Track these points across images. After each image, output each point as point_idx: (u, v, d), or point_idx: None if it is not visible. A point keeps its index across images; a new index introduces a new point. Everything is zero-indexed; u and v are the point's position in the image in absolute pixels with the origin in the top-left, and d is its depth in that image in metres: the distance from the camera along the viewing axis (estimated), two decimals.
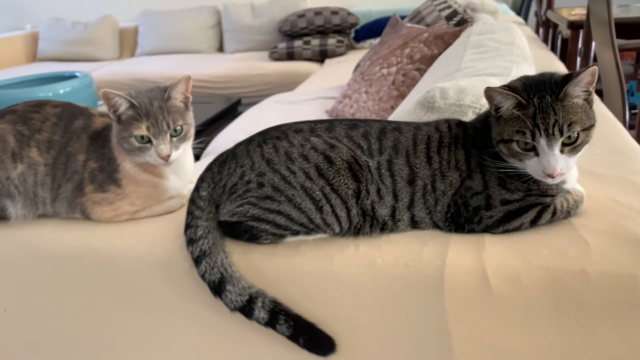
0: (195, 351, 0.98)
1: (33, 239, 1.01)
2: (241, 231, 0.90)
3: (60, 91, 2.42)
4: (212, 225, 0.90)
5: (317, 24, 3.85)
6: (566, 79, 0.82)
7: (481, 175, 0.87)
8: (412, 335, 0.86)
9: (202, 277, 0.88)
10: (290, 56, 3.79)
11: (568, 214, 0.87)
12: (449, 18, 2.32)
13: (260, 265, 0.90)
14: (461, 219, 0.87)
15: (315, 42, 3.79)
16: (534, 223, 0.86)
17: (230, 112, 3.12)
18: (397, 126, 0.92)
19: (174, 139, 0.98)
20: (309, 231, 0.89)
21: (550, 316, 0.80)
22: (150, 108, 0.96)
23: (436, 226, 0.89)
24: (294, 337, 0.87)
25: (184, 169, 1.04)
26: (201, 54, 4.33)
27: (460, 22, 2.28)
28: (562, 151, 0.81)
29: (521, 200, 0.85)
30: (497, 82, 1.10)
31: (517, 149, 0.81)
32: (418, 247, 0.86)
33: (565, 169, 0.81)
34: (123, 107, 0.96)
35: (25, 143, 0.99)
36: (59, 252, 0.99)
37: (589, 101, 0.84)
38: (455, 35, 2.01)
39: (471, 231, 0.87)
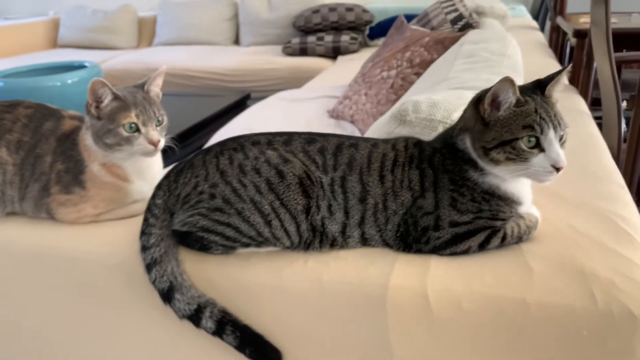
0: (151, 353, 1.00)
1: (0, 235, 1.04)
2: (192, 241, 0.91)
3: (68, 81, 2.46)
4: (166, 234, 0.92)
5: (332, 20, 3.83)
6: (543, 81, 0.86)
7: (434, 195, 0.86)
8: (356, 351, 0.87)
9: (153, 283, 0.89)
10: (303, 52, 3.79)
11: (519, 239, 0.87)
12: (454, 22, 2.30)
13: (211, 275, 0.91)
14: (410, 239, 0.87)
15: (328, 38, 3.78)
16: (482, 247, 0.85)
17: (239, 106, 3.13)
18: (355, 142, 0.92)
19: (158, 128, 1.02)
20: (259, 244, 0.90)
21: (488, 343, 0.80)
22: (135, 99, 0.99)
23: (386, 244, 0.89)
24: (240, 348, 0.88)
25: (151, 172, 1.06)
26: (217, 45, 4.36)
27: (465, 26, 2.26)
28: None
29: (470, 223, 0.85)
30: (471, 96, 1.09)
31: (524, 147, 0.80)
32: (365, 265, 0.86)
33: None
34: (108, 98, 0.98)
35: None
36: (23, 250, 1.02)
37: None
38: (456, 41, 1.99)
39: (419, 251, 0.87)
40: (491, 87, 0.83)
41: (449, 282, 0.81)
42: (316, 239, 0.88)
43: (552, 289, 0.78)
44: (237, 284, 0.90)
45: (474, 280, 0.81)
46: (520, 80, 1.45)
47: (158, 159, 1.09)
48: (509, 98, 0.82)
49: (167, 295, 0.89)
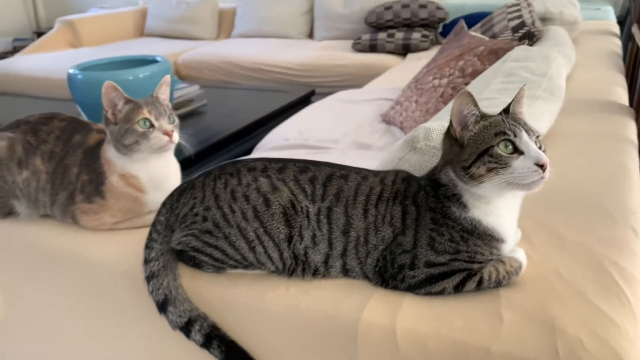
0: (153, 356, 1.08)
1: (31, 235, 1.16)
2: (186, 258, 0.98)
3: (139, 75, 2.60)
4: (166, 249, 0.98)
5: (403, 17, 3.79)
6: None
7: (414, 233, 0.87)
8: None
9: (151, 294, 0.97)
10: (373, 48, 3.78)
11: (498, 284, 0.86)
12: (515, 30, 2.22)
13: (203, 291, 0.97)
14: (387, 275, 0.88)
15: (399, 35, 3.74)
16: (457, 289, 0.85)
17: (303, 102, 3.18)
18: (346, 174, 0.94)
19: (171, 125, 1.10)
20: (245, 267, 0.94)
21: None
22: (145, 100, 1.09)
23: (366, 277, 0.91)
24: None
25: (167, 182, 1.13)
26: (291, 39, 4.43)
27: (526, 35, 2.17)
28: None
29: (446, 265, 0.85)
30: None
31: (502, 152, 0.81)
32: (341, 297, 0.89)
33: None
34: (121, 102, 1.08)
35: (32, 152, 1.13)
36: (50, 251, 1.13)
37: None
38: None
39: (395, 288, 0.88)
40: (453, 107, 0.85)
41: (419, 322, 0.82)
42: (299, 267, 0.92)
43: (518, 340, 0.77)
44: (225, 302, 0.96)
45: (442, 323, 0.81)
46: (552, 108, 1.40)
47: (174, 170, 1.17)
48: (473, 111, 0.84)
49: (162, 307, 0.96)
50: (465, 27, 2.38)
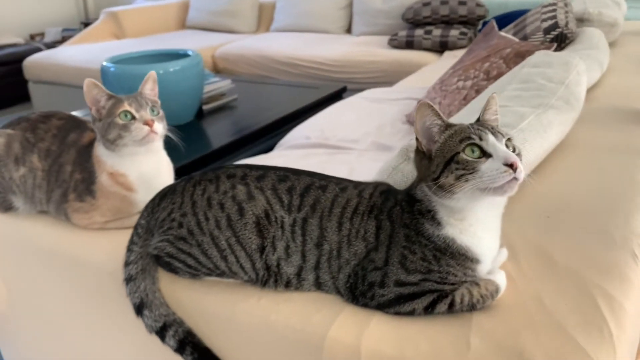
0: (142, 355, 1.09)
1: (27, 230, 1.19)
2: (163, 263, 0.98)
3: (170, 69, 2.64)
4: (145, 252, 0.99)
5: (442, 13, 3.70)
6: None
7: (386, 249, 0.84)
8: None
9: (128, 297, 0.97)
10: (409, 45, 3.71)
11: (472, 308, 0.82)
12: (547, 31, 2.12)
13: (180, 297, 0.97)
14: (357, 291, 0.85)
15: (437, 32, 3.66)
16: (428, 311, 0.82)
17: (333, 99, 3.15)
18: (325, 184, 0.92)
19: (154, 117, 1.10)
20: (218, 275, 0.94)
21: None
22: (127, 95, 1.10)
23: (338, 292, 0.88)
24: None
25: (158, 181, 1.12)
26: (328, 34, 4.40)
27: (558, 37, 2.08)
28: None
29: (416, 285, 0.82)
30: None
31: (468, 157, 0.78)
32: (311, 311, 0.87)
33: (522, 167, 0.76)
34: (103, 99, 1.08)
35: (29, 149, 1.15)
36: (44, 245, 1.16)
37: None
38: None
39: (365, 305, 0.85)
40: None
41: (384, 343, 0.80)
42: (271, 278, 0.90)
43: None
44: (199, 309, 0.95)
45: (408, 346, 0.78)
46: (574, 115, 1.33)
47: (165, 168, 1.17)
48: (435, 120, 0.82)
49: (138, 310, 0.96)
50: (496, 27, 2.30)
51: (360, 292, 0.85)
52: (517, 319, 0.80)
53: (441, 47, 3.65)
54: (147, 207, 1.01)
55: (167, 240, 0.94)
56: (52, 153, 1.15)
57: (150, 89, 1.14)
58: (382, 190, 0.90)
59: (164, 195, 0.99)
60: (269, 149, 2.42)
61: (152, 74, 1.14)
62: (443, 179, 0.79)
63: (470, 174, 0.77)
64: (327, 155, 2.04)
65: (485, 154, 0.78)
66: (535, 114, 1.23)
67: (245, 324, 0.90)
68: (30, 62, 4.29)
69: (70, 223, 1.15)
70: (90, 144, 1.14)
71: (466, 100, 1.99)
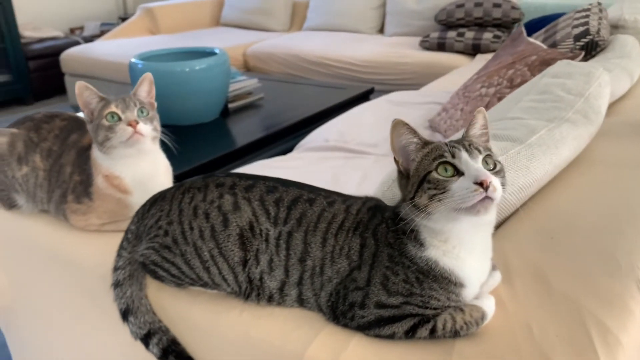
0: (130, 355, 1.09)
1: (30, 228, 1.21)
2: (149, 271, 0.97)
3: (196, 67, 2.65)
4: (134, 258, 0.98)
5: (475, 15, 3.62)
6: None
7: (369, 269, 0.81)
8: None
9: (114, 302, 0.97)
10: (441, 47, 3.64)
11: (455, 334, 0.78)
12: (577, 38, 2.04)
13: (165, 305, 0.96)
14: (338, 311, 0.83)
15: (469, 34, 3.58)
16: (408, 335, 0.79)
17: (360, 100, 3.12)
18: (313, 197, 0.89)
19: (141, 117, 1.09)
20: (202, 285, 0.92)
21: None
22: (117, 97, 1.09)
23: (321, 310, 0.86)
24: None
25: (154, 183, 1.11)
26: (361, 34, 4.36)
27: (588, 45, 2.00)
28: None
29: (397, 308, 0.78)
30: (494, 149, 1.00)
31: (439, 176, 0.74)
32: (291, 328, 0.84)
33: (497, 184, 0.72)
34: (94, 101, 1.08)
35: (32, 149, 1.16)
36: (41, 244, 1.17)
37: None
38: None
39: (346, 326, 0.82)
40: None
41: None
42: (254, 291, 0.88)
43: None
44: (184, 318, 0.94)
45: None
46: (591, 129, 1.27)
47: (163, 170, 1.16)
48: (411, 139, 0.79)
49: (124, 316, 0.96)
50: (524, 32, 2.23)
51: (341, 311, 0.82)
52: (501, 347, 0.76)
53: (473, 50, 3.57)
54: (137, 212, 1.00)
55: (153, 248, 0.93)
56: (53, 153, 1.16)
57: (145, 90, 1.13)
58: (370, 207, 0.87)
59: (154, 201, 0.98)
60: (292, 149, 2.41)
61: (148, 75, 1.13)
62: (417, 198, 0.76)
63: (441, 193, 0.74)
64: (343, 160, 2.02)
65: (458, 173, 0.75)
66: (548, 128, 1.18)
67: (227, 336, 0.89)
68: (67, 56, 4.39)
69: (68, 224, 1.16)
70: (90, 146, 1.14)
71: (488, 108, 1.93)
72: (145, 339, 0.94)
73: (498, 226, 1.07)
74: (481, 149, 0.78)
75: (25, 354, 1.45)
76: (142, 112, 1.09)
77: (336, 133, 2.28)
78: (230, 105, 2.92)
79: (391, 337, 0.79)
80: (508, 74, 1.95)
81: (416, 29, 4.08)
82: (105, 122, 1.05)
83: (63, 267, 1.15)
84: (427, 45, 3.69)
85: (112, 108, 1.06)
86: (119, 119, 1.06)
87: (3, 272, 1.30)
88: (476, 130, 0.83)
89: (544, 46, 2.08)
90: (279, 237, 0.87)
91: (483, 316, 0.79)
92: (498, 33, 3.55)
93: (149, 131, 1.09)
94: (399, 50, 3.75)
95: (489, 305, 0.81)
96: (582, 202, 1.11)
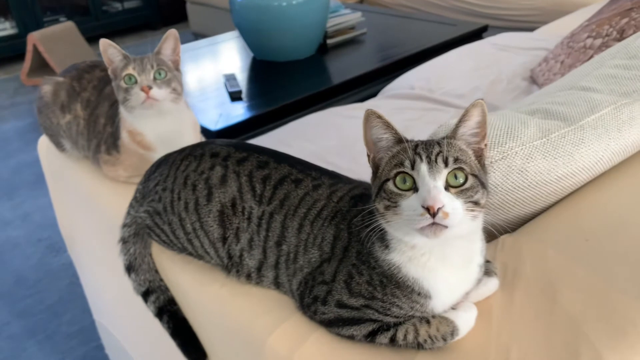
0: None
1: (75, 171, 1.30)
2: (147, 232, 0.98)
3: (293, 2, 2.60)
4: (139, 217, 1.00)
5: None
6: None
7: (337, 264, 0.75)
8: None
9: (119, 256, 1.01)
10: None
11: (418, 346, 0.71)
12: None
13: (164, 267, 0.98)
14: (304, 302, 0.79)
15: None
16: (368, 339, 0.73)
17: (471, 38, 2.88)
18: (301, 178, 0.83)
19: (157, 81, 1.08)
20: (189, 254, 0.92)
21: None
22: (137, 56, 1.09)
23: (293, 296, 0.82)
24: (172, 337, 0.96)
25: (179, 140, 1.10)
26: None
27: None
28: (446, 189, 0.64)
29: (357, 310, 0.72)
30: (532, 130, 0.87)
31: (394, 188, 0.65)
32: (260, 312, 0.82)
33: (451, 210, 0.62)
34: (117, 58, 1.09)
35: (74, 98, 1.21)
36: (81, 189, 1.25)
37: (480, 154, 0.70)
38: None
39: (311, 318, 0.78)
40: None
41: None
42: (234, 267, 0.87)
43: None
44: (177, 283, 0.96)
45: None
46: None
47: (188, 127, 1.15)
48: (383, 134, 0.69)
49: (127, 271, 1.00)
50: None
51: (306, 303, 0.78)
52: None
53: None
54: (146, 172, 1.02)
55: (148, 212, 0.95)
56: (91, 104, 1.20)
57: (170, 48, 1.11)
58: (354, 195, 0.80)
59: (160, 164, 0.98)
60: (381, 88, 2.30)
61: (173, 32, 1.09)
62: (377, 204, 0.68)
63: (394, 207, 0.65)
64: (421, 112, 1.89)
65: (415, 187, 0.65)
66: (615, 105, 0.99)
67: (207, 308, 0.89)
68: None
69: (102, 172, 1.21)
70: None
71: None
72: (144, 296, 0.98)
73: (526, 221, 0.94)
74: (451, 160, 0.65)
75: (89, 285, 1.59)
76: (159, 74, 1.07)
77: (423, 80, 2.14)
78: (329, 41, 2.84)
79: (351, 337, 0.74)
80: (621, 23, 1.67)
81: None
82: (123, 84, 1.06)
83: (96, 212, 1.21)
84: None
85: (130, 70, 1.06)
86: (135, 81, 1.06)
87: (57, 208, 1.41)
88: (467, 129, 0.69)
89: None
90: (261, 216, 0.84)
91: (453, 332, 0.71)
92: None
93: (166, 94, 1.07)
94: None
95: (465, 319, 0.72)
96: (635, 202, 0.94)
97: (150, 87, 1.05)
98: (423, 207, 0.61)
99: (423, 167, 0.64)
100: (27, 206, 2.76)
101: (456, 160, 0.65)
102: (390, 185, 0.65)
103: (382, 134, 0.69)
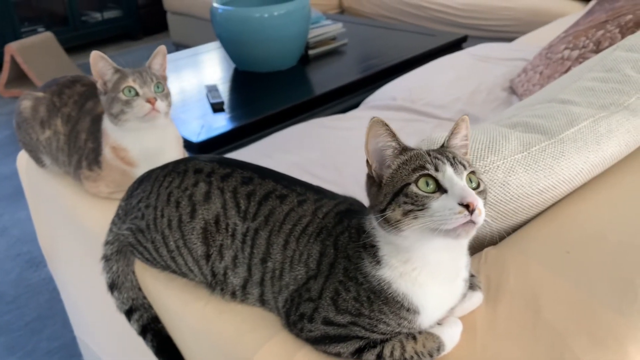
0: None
1: (55, 187, 1.28)
2: (129, 250, 0.97)
3: (274, 13, 2.61)
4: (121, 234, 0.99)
5: None
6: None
7: (324, 281, 0.75)
8: None
9: (102, 274, 1.00)
10: None
11: None
12: None
13: (148, 285, 0.97)
14: (290, 319, 0.78)
15: None
16: (355, 356, 0.73)
17: (450, 49, 2.90)
18: (286, 194, 0.83)
19: (158, 93, 1.09)
20: (173, 272, 0.91)
21: None
22: (133, 70, 1.09)
23: (279, 313, 0.82)
24: (156, 355, 0.95)
25: (163, 156, 1.09)
26: None
27: None
28: None
29: (343, 327, 0.72)
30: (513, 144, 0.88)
31: (420, 191, 0.65)
32: (245, 329, 0.82)
33: (482, 207, 0.64)
34: (109, 72, 1.08)
35: (54, 113, 1.20)
36: (61, 204, 1.23)
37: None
38: None
39: (297, 335, 0.78)
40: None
41: None
42: (218, 285, 0.86)
43: None
44: (161, 301, 0.95)
45: None
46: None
47: (172, 143, 1.15)
48: (389, 143, 0.69)
49: (110, 289, 0.99)
50: None
51: (292, 321, 0.78)
52: None
53: None
54: (129, 188, 1.01)
55: (130, 230, 0.94)
56: (72, 119, 1.19)
57: (159, 63, 1.11)
58: (339, 211, 0.80)
59: (142, 180, 0.98)
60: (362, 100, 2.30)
61: (162, 48, 1.10)
62: (389, 212, 0.67)
63: (419, 210, 0.64)
64: (403, 122, 1.90)
65: (440, 189, 0.65)
66: (594, 118, 1.01)
67: (192, 326, 0.88)
68: None
69: (84, 188, 1.20)
70: (103, 113, 1.16)
71: (567, 73, 1.71)
72: (128, 314, 0.97)
73: (509, 233, 0.95)
74: (466, 163, 0.68)
75: (70, 301, 1.57)
76: (158, 87, 1.08)
77: (405, 90, 2.16)
78: (311, 52, 2.84)
79: (338, 355, 0.74)
80: (597, 35, 1.71)
81: None
82: (122, 96, 1.06)
83: (77, 228, 1.20)
84: None
85: (130, 82, 1.06)
86: (136, 94, 1.06)
87: (37, 223, 1.40)
88: (458, 141, 0.73)
89: None
90: (245, 233, 0.83)
91: (439, 347, 0.71)
92: None
93: (164, 107, 1.09)
94: None
95: (450, 335, 0.72)
96: (617, 212, 0.95)
97: (155, 99, 1.06)
98: (462, 204, 0.62)
99: (448, 169, 0.65)
100: (5, 220, 2.72)
101: (469, 163, 0.68)
102: (413, 188, 0.65)
103: (388, 142, 0.69)
